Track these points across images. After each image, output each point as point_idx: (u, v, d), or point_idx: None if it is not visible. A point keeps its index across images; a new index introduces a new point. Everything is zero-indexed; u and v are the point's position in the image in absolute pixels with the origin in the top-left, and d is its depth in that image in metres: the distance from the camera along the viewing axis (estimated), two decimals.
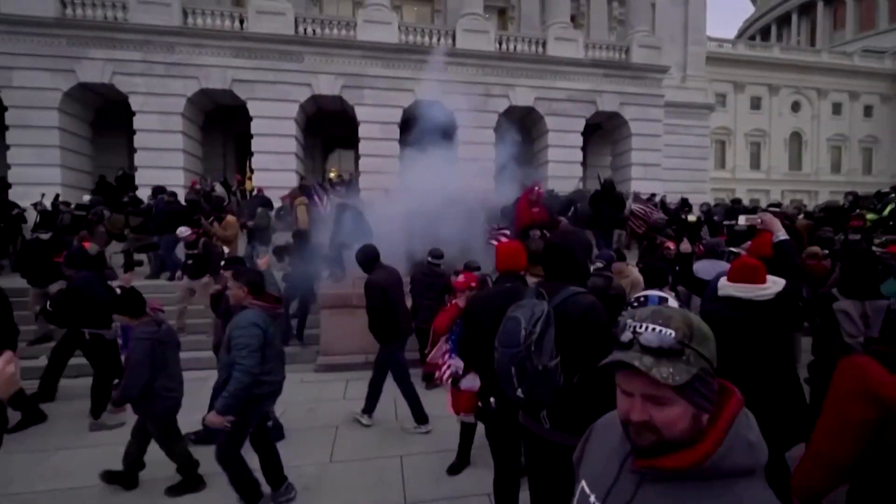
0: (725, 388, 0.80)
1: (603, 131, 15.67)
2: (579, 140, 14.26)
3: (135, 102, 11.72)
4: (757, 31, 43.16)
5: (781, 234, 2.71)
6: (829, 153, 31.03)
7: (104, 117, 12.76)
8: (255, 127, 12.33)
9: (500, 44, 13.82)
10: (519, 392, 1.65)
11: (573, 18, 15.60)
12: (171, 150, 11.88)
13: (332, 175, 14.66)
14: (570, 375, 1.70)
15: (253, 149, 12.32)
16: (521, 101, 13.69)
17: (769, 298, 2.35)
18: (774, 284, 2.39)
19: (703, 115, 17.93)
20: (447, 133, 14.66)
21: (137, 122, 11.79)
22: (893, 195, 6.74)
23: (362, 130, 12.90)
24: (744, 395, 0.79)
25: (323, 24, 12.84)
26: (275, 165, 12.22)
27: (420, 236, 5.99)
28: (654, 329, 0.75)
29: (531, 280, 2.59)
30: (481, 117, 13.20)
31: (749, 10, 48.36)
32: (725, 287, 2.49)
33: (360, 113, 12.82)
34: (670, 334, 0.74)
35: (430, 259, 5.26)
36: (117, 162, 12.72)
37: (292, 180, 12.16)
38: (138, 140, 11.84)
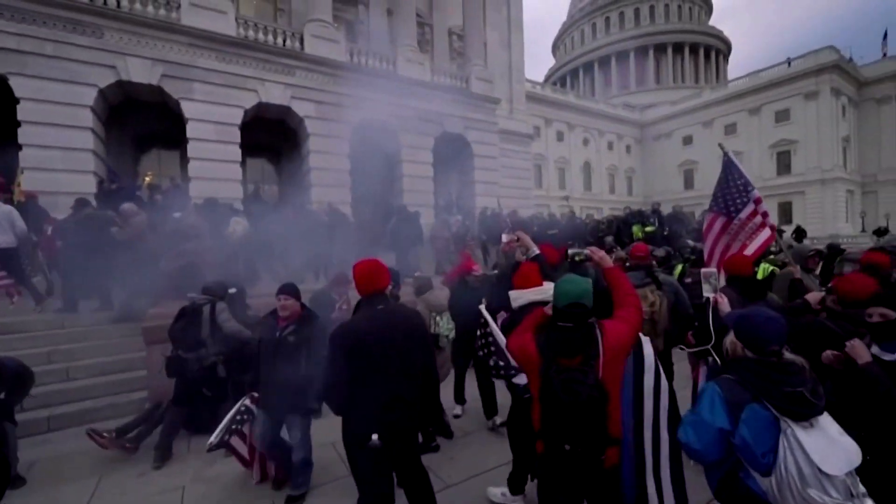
0: None
1: (447, 153, 16.98)
2: (430, 157, 15.17)
3: None
4: (558, 79, 53.63)
5: (535, 250, 3.22)
6: (607, 179, 40.51)
7: None
8: (23, 112, 9.26)
9: (352, 56, 13.75)
10: None
11: (419, 44, 16.58)
12: None
13: (147, 180, 12.09)
14: None
15: (21, 141, 9.23)
16: (375, 115, 13.84)
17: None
18: (550, 286, 2.84)
19: (526, 143, 21.24)
20: (297, 141, 13.81)
21: None
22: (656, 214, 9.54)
23: (191, 130, 11.05)
24: None
25: None
26: (60, 165, 9.41)
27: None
28: None
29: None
30: (335, 127, 12.87)
31: (552, 61, 59.78)
32: (522, 295, 2.74)
33: (189, 109, 10.97)
34: None
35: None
36: None
37: (89, 184, 9.58)
38: None
